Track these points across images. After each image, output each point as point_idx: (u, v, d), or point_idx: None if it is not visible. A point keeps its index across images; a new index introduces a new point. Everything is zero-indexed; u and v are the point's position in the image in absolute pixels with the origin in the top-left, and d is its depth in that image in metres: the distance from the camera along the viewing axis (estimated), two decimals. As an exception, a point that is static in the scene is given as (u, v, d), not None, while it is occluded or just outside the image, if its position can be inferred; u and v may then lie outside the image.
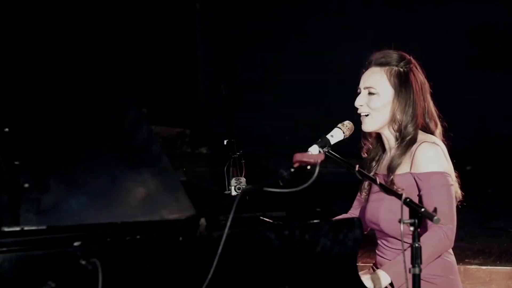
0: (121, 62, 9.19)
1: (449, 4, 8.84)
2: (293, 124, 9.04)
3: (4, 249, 2.33)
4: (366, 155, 3.38)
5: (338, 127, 3.21)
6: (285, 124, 9.17)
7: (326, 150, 3.12)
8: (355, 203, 3.46)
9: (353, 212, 3.45)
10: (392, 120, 3.22)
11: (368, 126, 3.26)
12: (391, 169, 3.21)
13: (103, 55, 9.15)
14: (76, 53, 8.97)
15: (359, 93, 3.27)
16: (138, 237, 2.46)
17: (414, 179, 3.14)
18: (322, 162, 2.58)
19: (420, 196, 3.12)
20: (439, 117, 3.29)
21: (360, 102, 3.25)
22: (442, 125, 3.29)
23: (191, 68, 9.67)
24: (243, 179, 3.76)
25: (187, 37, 9.66)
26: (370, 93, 3.23)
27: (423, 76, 3.27)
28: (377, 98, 3.22)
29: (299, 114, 9.12)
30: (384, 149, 3.34)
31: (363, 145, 3.40)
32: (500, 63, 8.86)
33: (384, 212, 3.17)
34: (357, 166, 2.97)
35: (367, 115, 3.24)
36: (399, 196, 2.72)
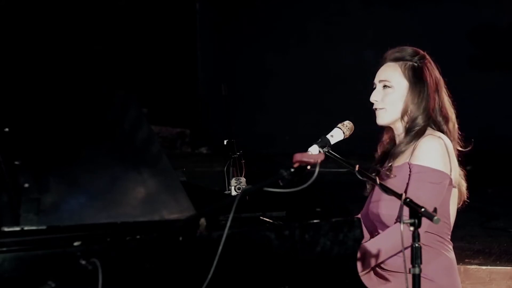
0: (121, 62, 9.19)
1: (449, 4, 8.84)
2: (293, 124, 9.05)
3: (4, 249, 2.33)
4: (378, 152, 3.39)
5: (338, 127, 3.22)
6: (285, 124, 9.18)
7: (326, 150, 3.13)
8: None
9: None
10: (404, 112, 3.23)
11: (381, 120, 3.28)
12: (392, 156, 3.23)
13: (103, 55, 9.16)
14: (76, 54, 8.99)
15: (374, 88, 3.29)
16: (138, 237, 2.46)
17: (409, 168, 3.15)
18: (322, 162, 2.58)
19: (408, 185, 3.12)
20: (455, 115, 3.30)
21: (376, 97, 3.27)
22: (455, 122, 3.30)
23: (191, 68, 9.67)
24: (243, 179, 3.76)
25: (187, 37, 9.66)
26: (385, 87, 3.26)
27: (438, 73, 3.29)
28: (392, 91, 3.24)
29: (299, 114, 9.12)
30: (395, 143, 3.35)
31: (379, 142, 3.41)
32: (500, 63, 8.85)
33: (385, 207, 3.16)
34: (357, 166, 2.97)
35: (382, 109, 3.25)
36: (399, 196, 2.72)
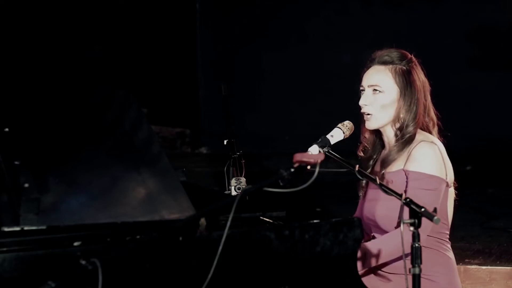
0: (121, 62, 9.19)
1: (449, 4, 8.84)
2: (293, 124, 9.05)
3: (4, 249, 2.33)
4: (362, 154, 3.37)
5: (338, 127, 3.21)
6: (285, 124, 9.18)
7: (326, 150, 3.12)
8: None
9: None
10: (396, 118, 3.21)
11: (371, 124, 3.25)
12: (384, 164, 3.21)
13: (103, 55, 9.16)
14: (76, 53, 8.99)
15: (362, 91, 3.26)
16: (138, 237, 2.46)
17: (406, 175, 3.14)
18: (322, 162, 2.58)
19: (405, 193, 3.11)
20: (436, 116, 3.29)
21: (365, 101, 3.23)
22: (437, 124, 3.29)
23: (191, 68, 9.66)
24: (243, 179, 3.75)
25: (187, 37, 9.66)
26: (374, 91, 3.22)
27: (424, 74, 3.28)
28: (382, 96, 3.21)
29: (299, 114, 9.12)
30: (382, 147, 3.34)
31: (360, 143, 3.39)
32: (500, 63, 8.85)
33: (381, 208, 3.17)
34: (357, 166, 2.97)
35: (371, 114, 3.23)
36: (399, 196, 2.72)
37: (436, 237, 3.20)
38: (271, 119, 9.23)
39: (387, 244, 3.08)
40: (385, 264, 3.23)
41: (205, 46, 9.69)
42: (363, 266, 3.06)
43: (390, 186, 3.12)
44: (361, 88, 3.27)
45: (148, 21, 9.47)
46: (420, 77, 3.25)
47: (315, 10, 9.23)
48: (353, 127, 3.23)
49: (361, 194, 3.38)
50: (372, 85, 3.23)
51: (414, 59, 3.28)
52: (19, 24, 8.71)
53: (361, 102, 3.24)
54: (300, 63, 9.23)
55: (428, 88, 3.28)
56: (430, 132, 3.26)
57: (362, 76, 3.28)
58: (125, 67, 9.18)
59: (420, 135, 3.22)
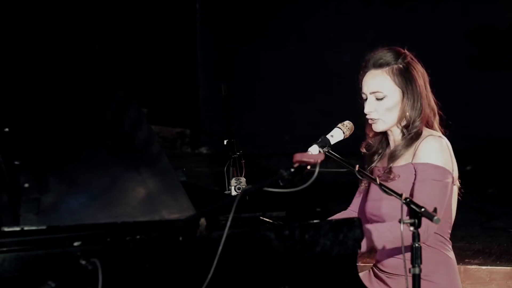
0: (121, 62, 9.20)
1: (449, 4, 8.85)
2: (293, 124, 9.05)
3: (4, 249, 2.33)
4: (365, 150, 3.37)
5: (338, 127, 3.21)
6: (285, 124, 9.18)
7: (326, 150, 3.12)
8: (356, 199, 3.45)
9: (353, 208, 3.44)
10: (401, 117, 3.21)
11: (379, 126, 3.24)
12: (392, 158, 3.21)
13: (103, 55, 9.16)
14: (76, 53, 8.99)
15: (365, 99, 3.24)
16: (138, 237, 2.46)
17: (414, 169, 3.14)
18: (322, 162, 2.58)
19: (413, 184, 3.12)
20: (437, 105, 3.29)
21: (370, 108, 3.21)
22: (438, 113, 3.29)
23: (191, 68, 9.67)
24: (243, 179, 3.76)
25: (187, 37, 9.66)
26: (377, 97, 3.20)
27: (421, 65, 3.26)
28: (385, 101, 3.19)
29: (299, 114, 9.12)
30: (387, 144, 3.33)
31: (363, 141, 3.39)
32: (499, 63, 8.86)
33: (387, 207, 3.16)
34: (357, 166, 2.97)
35: (378, 119, 3.22)
36: (399, 196, 2.72)
37: (439, 235, 3.20)
38: (271, 119, 9.24)
39: (388, 232, 3.05)
40: (385, 265, 3.23)
41: (205, 46, 9.70)
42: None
43: (397, 180, 3.14)
44: (362, 96, 3.25)
45: (148, 21, 9.47)
46: (418, 70, 3.23)
47: (315, 10, 9.24)
48: (353, 127, 3.23)
49: (361, 186, 3.38)
50: (373, 92, 3.21)
51: (408, 53, 3.25)
52: (19, 24, 8.72)
53: (366, 110, 3.22)
54: (300, 63, 9.23)
55: (427, 78, 3.26)
56: (432, 122, 3.25)
57: (361, 83, 3.25)
58: (125, 67, 9.18)
59: (427, 131, 3.22)
